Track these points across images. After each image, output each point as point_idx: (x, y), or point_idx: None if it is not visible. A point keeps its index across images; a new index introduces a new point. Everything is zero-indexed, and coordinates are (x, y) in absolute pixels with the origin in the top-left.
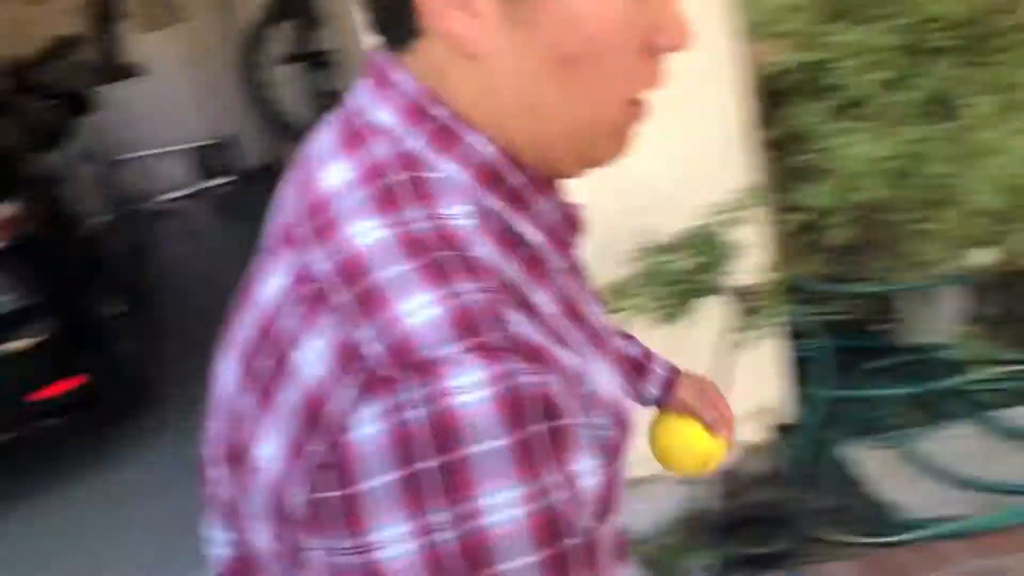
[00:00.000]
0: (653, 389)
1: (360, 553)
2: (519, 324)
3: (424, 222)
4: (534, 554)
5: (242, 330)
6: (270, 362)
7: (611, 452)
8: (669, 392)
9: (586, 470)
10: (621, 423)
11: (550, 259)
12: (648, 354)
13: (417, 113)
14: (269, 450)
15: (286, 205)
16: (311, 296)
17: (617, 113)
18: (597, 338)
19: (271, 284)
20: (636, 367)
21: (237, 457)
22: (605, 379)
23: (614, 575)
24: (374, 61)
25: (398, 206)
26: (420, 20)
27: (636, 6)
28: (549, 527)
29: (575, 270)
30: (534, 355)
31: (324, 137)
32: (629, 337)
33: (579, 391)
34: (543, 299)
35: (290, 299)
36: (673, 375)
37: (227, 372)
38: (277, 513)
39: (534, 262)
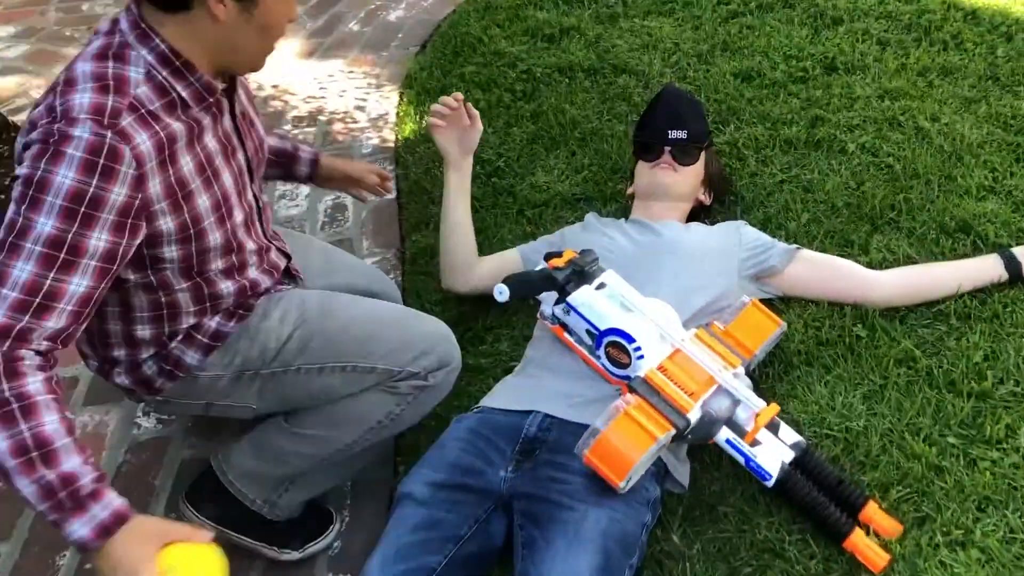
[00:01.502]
0: (304, 168)
1: (26, 169)
2: (126, 122)
3: (112, 69)
4: (63, 200)
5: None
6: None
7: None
8: (316, 167)
9: (124, 192)
10: (194, 216)
11: (192, 104)
12: (296, 145)
13: (134, 24)
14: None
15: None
16: (49, 89)
17: (265, 54)
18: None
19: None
20: (287, 155)
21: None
22: (202, 199)
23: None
24: (130, 5)
25: (103, 61)
26: (191, 4)
27: (287, 6)
28: (78, 197)
29: (226, 108)
30: (124, 136)
31: (102, 25)
32: (282, 137)
33: (140, 158)
34: (175, 128)
35: (43, 96)
36: (315, 155)
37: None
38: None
39: (174, 104)
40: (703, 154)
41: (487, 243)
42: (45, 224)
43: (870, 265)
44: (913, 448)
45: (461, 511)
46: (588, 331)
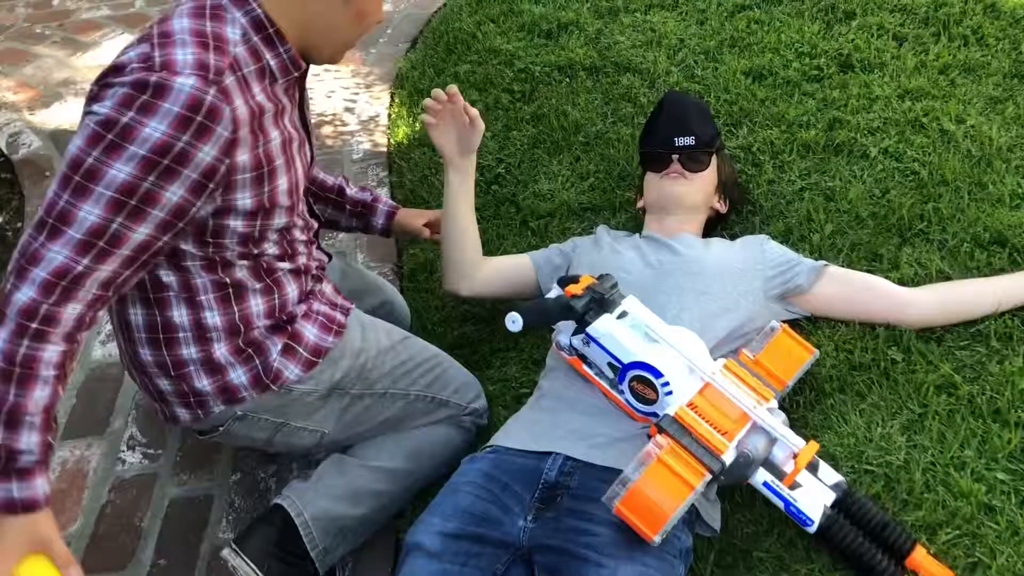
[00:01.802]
0: (379, 220)
1: (87, 116)
2: (230, 82)
3: (210, 27)
4: (147, 151)
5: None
6: (112, 71)
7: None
8: (391, 221)
9: (213, 153)
10: (272, 195)
11: (278, 75)
12: (375, 196)
13: None
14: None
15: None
16: (143, 38)
17: (348, 47)
18: (289, 143)
19: (130, 49)
20: (364, 206)
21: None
22: (282, 180)
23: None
24: None
25: (200, 18)
26: None
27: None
28: (165, 150)
29: (297, 99)
30: (226, 95)
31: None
32: (363, 189)
33: (236, 119)
34: (262, 99)
35: (134, 44)
36: (394, 209)
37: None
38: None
39: (264, 72)
40: (714, 159)
41: (490, 256)
42: (120, 171)
43: (901, 281)
44: (960, 485)
45: (477, 564)
46: (610, 364)
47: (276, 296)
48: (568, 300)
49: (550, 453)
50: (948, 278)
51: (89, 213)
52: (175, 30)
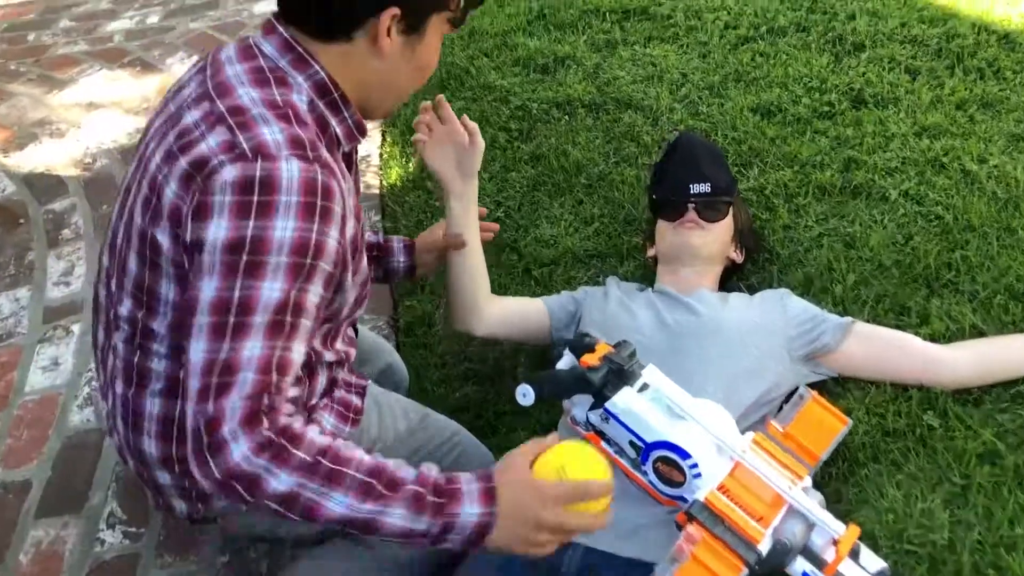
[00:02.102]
0: (399, 258)
1: (195, 232)
2: (325, 153)
3: (280, 96)
4: (289, 257)
5: (162, 139)
6: (184, 145)
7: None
8: (412, 254)
9: (336, 236)
10: (345, 213)
11: (343, 143)
12: (387, 238)
13: (286, 46)
14: (171, 193)
15: (193, 83)
16: (214, 119)
17: (403, 100)
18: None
19: (189, 116)
20: (379, 249)
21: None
22: (350, 226)
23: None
24: (269, 21)
25: (267, 86)
26: (353, 33)
27: (438, 48)
28: (304, 249)
29: (352, 162)
30: (329, 169)
31: (230, 52)
32: (374, 232)
33: (344, 197)
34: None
35: (200, 120)
36: (410, 241)
37: (154, 156)
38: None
39: (332, 142)
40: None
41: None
42: (272, 290)
43: (932, 337)
44: (1013, 568)
45: None
46: (632, 443)
47: (305, 389)
48: (584, 372)
49: (568, 544)
50: (982, 334)
51: (253, 349)
52: (247, 104)
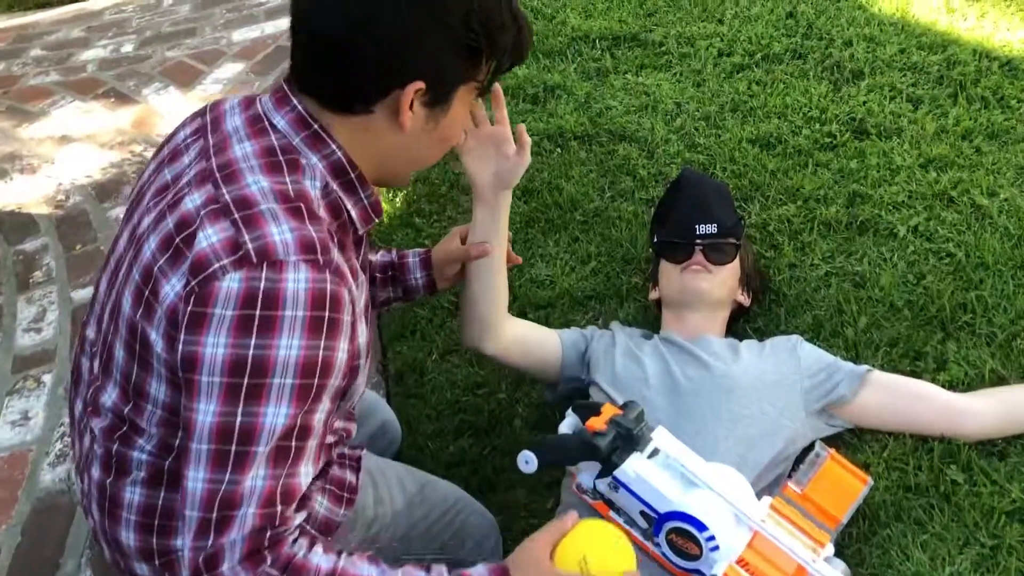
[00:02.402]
0: (417, 274)
1: (189, 345)
2: (335, 255)
3: (292, 185)
4: (295, 378)
5: (158, 223)
6: (186, 239)
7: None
8: (429, 267)
9: (345, 347)
10: (356, 318)
11: (359, 226)
12: (401, 253)
13: (300, 122)
14: (170, 292)
15: (193, 150)
16: (219, 210)
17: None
18: (353, 274)
19: (189, 200)
20: (394, 268)
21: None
22: (361, 331)
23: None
24: (280, 87)
25: (278, 173)
26: (373, 106)
27: (466, 116)
28: (311, 368)
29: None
30: (339, 275)
31: (236, 120)
32: (387, 250)
33: (354, 302)
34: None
35: (203, 207)
36: (426, 253)
37: (148, 240)
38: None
39: (345, 228)
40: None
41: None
42: (277, 415)
43: (951, 384)
44: None
45: None
46: (643, 513)
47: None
48: (591, 438)
49: None
50: (1003, 379)
51: (256, 480)
52: (256, 196)
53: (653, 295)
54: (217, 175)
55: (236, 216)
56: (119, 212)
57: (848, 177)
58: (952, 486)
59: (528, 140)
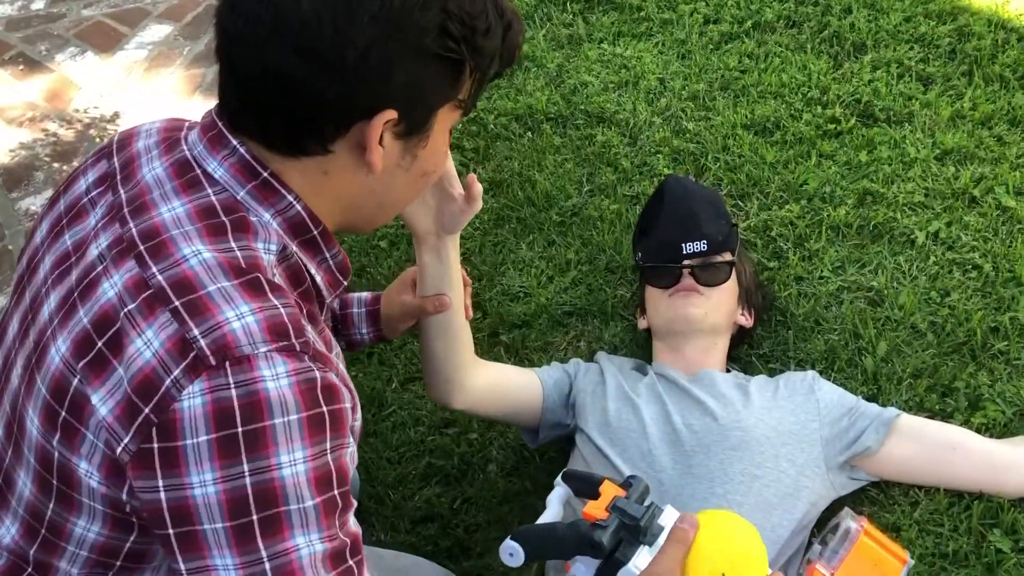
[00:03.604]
0: (362, 329)
1: (173, 490)
2: (310, 333)
3: (241, 252)
4: (314, 498)
5: (67, 316)
6: (111, 343)
7: (353, 432)
8: (376, 321)
9: (351, 441)
10: (354, 403)
11: (326, 294)
12: (344, 301)
13: (244, 170)
14: (103, 412)
15: (101, 209)
16: (151, 299)
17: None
18: (328, 346)
19: (108, 284)
20: (334, 318)
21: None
22: (343, 368)
23: None
24: (213, 124)
25: (222, 238)
26: (330, 145)
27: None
28: (326, 479)
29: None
30: (322, 358)
31: (156, 168)
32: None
33: (347, 383)
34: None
35: (127, 296)
36: (373, 306)
37: (56, 340)
38: (108, 459)
39: (309, 295)
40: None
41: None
42: (310, 544)
43: (986, 428)
44: None
45: None
46: None
47: None
48: (590, 531)
49: None
50: None
51: None
52: (196, 272)
53: (642, 324)
54: (141, 247)
55: (176, 303)
56: (31, 204)
57: (857, 171)
58: (996, 556)
59: (479, 191)
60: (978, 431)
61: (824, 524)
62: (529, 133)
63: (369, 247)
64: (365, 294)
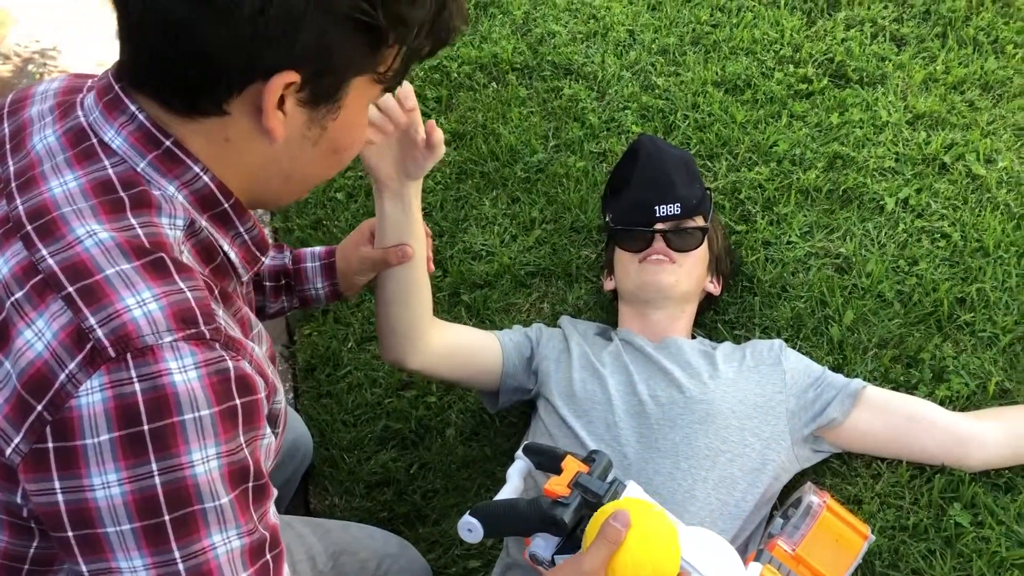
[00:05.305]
0: (317, 284)
1: (71, 492)
2: (221, 318)
3: (142, 229)
4: (229, 493)
5: None
6: None
7: (271, 418)
8: (333, 275)
9: (267, 431)
10: (271, 390)
11: (242, 272)
12: (297, 255)
13: (145, 138)
14: None
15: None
16: (38, 286)
17: (310, 189)
18: (245, 326)
19: None
20: (287, 275)
21: None
22: (259, 353)
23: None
24: (109, 86)
25: (120, 215)
26: (225, 104)
27: (365, 118)
28: (241, 473)
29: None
30: (234, 345)
31: (48, 135)
32: (279, 247)
33: (262, 371)
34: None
35: (14, 284)
36: (328, 258)
37: None
38: None
39: (223, 271)
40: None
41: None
42: (227, 541)
43: (950, 400)
44: None
45: None
46: None
47: None
48: (551, 508)
49: None
50: (1009, 394)
51: None
52: (92, 255)
53: (608, 285)
54: (28, 227)
55: (70, 290)
56: None
57: (828, 134)
58: (955, 528)
59: (440, 137)
60: (942, 403)
61: (786, 497)
62: (494, 83)
63: (325, 199)
64: (319, 248)
